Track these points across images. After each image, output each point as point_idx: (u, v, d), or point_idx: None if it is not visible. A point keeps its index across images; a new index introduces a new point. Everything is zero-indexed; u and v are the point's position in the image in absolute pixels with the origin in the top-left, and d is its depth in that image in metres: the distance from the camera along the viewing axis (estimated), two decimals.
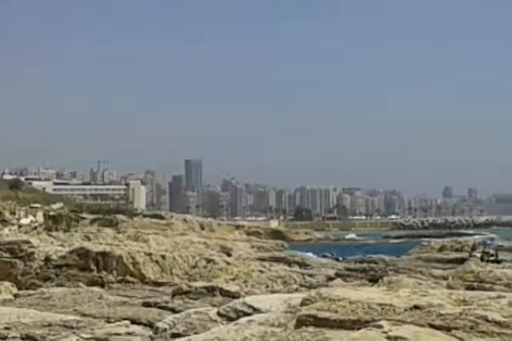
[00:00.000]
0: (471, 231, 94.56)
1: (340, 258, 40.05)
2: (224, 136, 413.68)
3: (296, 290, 20.29)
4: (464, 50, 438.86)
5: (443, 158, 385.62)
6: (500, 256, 29.64)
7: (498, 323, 6.45)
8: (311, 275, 25.85)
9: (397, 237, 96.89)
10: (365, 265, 28.75)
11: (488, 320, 6.54)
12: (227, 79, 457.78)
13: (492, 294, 8.21)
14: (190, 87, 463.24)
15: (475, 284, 20.61)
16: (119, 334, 11.15)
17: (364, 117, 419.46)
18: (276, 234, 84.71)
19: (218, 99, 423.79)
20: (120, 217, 64.01)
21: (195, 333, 8.79)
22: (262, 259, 33.81)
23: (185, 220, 78.17)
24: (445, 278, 23.15)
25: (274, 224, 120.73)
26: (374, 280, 23.66)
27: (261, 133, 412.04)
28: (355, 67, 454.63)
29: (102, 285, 25.04)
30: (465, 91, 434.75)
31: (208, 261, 28.90)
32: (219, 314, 9.83)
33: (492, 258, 29.33)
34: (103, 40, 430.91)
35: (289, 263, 31.94)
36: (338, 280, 24.99)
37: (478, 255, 30.91)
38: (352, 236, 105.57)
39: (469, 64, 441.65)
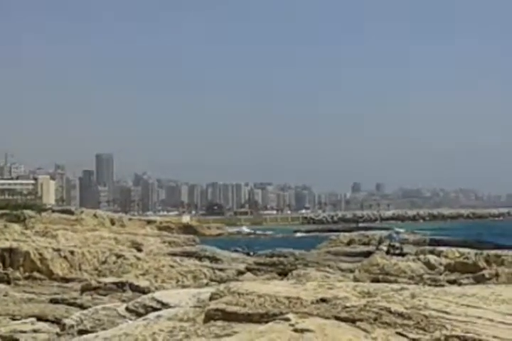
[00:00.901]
0: (378, 225, 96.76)
1: (251, 253, 40.30)
2: (135, 131, 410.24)
3: (207, 284, 20.30)
4: None
5: (352, 154, 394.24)
6: (406, 250, 30.40)
7: (400, 315, 6.61)
8: (221, 270, 25.94)
9: (307, 231, 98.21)
10: (274, 259, 29.02)
11: (391, 312, 6.70)
12: (144, 74, 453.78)
13: (395, 286, 8.43)
14: (103, 82, 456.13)
15: (380, 277, 21.21)
16: (24, 332, 10.92)
17: None
18: (187, 229, 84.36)
19: (130, 95, 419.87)
20: (28, 212, 62.24)
21: (103, 329, 8.68)
22: (173, 254, 33.70)
23: (95, 215, 76.67)
24: (352, 271, 23.71)
25: (185, 219, 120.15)
26: (283, 274, 23.99)
27: (172, 129, 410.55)
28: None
29: (8, 282, 24.43)
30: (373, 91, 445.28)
31: (118, 256, 28.59)
32: (127, 309, 9.73)
33: (398, 251, 30.03)
34: None
35: (199, 257, 31.95)
36: (248, 275, 25.19)
37: (385, 248, 31.61)
38: (264, 230, 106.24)
39: None
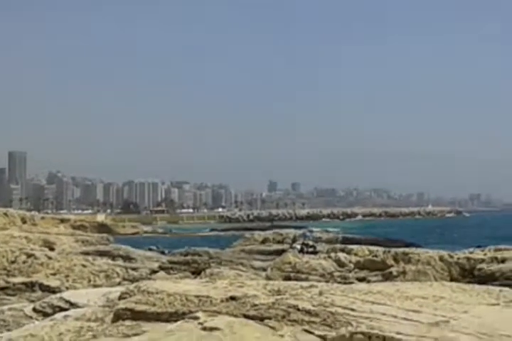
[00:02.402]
0: (293, 224, 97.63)
1: (166, 251, 40.06)
2: (50, 129, 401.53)
3: (119, 284, 20.08)
4: None
5: (269, 153, 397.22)
6: (319, 248, 30.83)
7: (307, 312, 6.70)
8: (134, 269, 25.69)
9: (223, 230, 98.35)
10: (188, 258, 28.93)
11: (298, 309, 6.79)
12: (57, 73, 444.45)
13: (305, 284, 8.55)
14: (13, 79, 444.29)
15: (292, 274, 21.46)
16: None
17: None
18: (102, 228, 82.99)
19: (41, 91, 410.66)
20: None
21: (8, 330, 8.48)
22: (86, 253, 33.11)
23: (5, 214, 74.55)
24: (265, 269, 23.90)
25: (100, 217, 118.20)
26: (197, 273, 23.97)
27: (87, 127, 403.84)
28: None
29: None
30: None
31: (29, 255, 27.84)
32: (35, 310, 9.53)
33: (311, 249, 30.44)
34: None
35: (113, 256, 31.53)
36: (162, 273, 25.05)
37: (299, 247, 31.97)
38: (181, 229, 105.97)
39: None
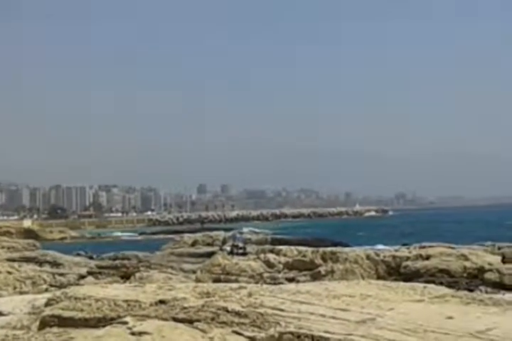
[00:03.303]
0: (223, 226, 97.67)
1: (94, 256, 39.51)
2: None
3: (46, 290, 19.69)
4: None
5: (197, 155, 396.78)
6: (248, 249, 30.94)
7: (237, 313, 6.73)
8: (61, 275, 25.22)
9: (152, 233, 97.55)
10: (117, 262, 28.58)
11: (228, 311, 6.81)
12: None
13: (234, 285, 8.58)
14: None
15: (222, 277, 21.47)
16: None
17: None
18: (29, 234, 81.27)
19: None
20: None
21: None
22: (12, 260, 32.30)
23: None
24: (195, 272, 23.84)
25: (27, 223, 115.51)
26: (126, 277, 23.70)
27: (10, 131, 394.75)
28: None
29: None
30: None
31: None
32: None
33: (241, 251, 30.52)
34: None
35: (40, 262, 30.87)
36: (90, 279, 24.67)
37: (228, 248, 32.00)
38: (110, 233, 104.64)
39: None
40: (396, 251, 24.68)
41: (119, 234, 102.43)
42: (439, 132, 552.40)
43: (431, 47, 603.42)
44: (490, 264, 20.03)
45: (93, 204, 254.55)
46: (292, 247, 27.02)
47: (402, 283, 8.82)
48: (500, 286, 18.54)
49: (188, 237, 42.76)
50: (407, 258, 21.82)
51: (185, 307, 7.07)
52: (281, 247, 27.36)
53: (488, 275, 19.22)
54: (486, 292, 16.49)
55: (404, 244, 32.50)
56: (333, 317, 6.30)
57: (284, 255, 24.89)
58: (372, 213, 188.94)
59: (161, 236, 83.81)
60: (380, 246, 46.14)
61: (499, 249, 25.75)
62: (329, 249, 24.41)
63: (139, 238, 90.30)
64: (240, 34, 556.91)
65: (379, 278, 19.50)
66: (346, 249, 25.55)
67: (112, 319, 7.09)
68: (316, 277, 20.08)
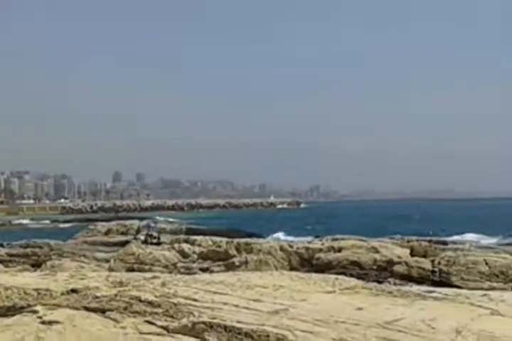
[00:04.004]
0: (138, 215, 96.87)
1: (4, 244, 38.58)
2: None
3: None
4: None
5: (112, 144, 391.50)
6: (163, 239, 30.84)
7: (150, 303, 6.70)
8: None
9: (66, 221, 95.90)
10: (28, 250, 28.01)
11: (141, 300, 6.77)
12: None
13: (147, 275, 8.53)
14: None
15: (135, 266, 21.33)
16: None
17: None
18: None
19: None
20: None
21: None
22: None
23: None
24: (108, 261, 23.59)
25: None
26: (37, 265, 23.24)
27: None
28: None
29: None
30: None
31: None
32: None
33: (155, 240, 30.40)
34: None
35: None
36: (0, 267, 24.10)
37: (143, 238, 31.82)
38: (21, 221, 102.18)
39: None
40: (309, 243, 25.08)
41: (31, 221, 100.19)
42: (351, 128, 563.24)
43: None
44: (399, 257, 20.58)
45: (4, 191, 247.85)
46: (207, 237, 27.09)
47: (314, 275, 8.97)
48: (408, 278, 19.07)
49: (102, 226, 42.28)
50: (320, 250, 22.19)
51: (97, 297, 6.99)
52: (195, 237, 27.40)
53: (397, 268, 19.74)
54: (395, 284, 16.93)
55: (316, 236, 33.08)
56: (246, 308, 6.34)
57: (199, 245, 24.93)
58: (285, 205, 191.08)
59: (75, 224, 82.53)
60: (280, 235, 47.44)
61: (408, 242, 26.57)
62: (243, 239, 24.58)
63: (51, 226, 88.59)
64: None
65: (292, 269, 19.76)
66: (260, 240, 25.77)
67: (22, 308, 6.95)
68: (230, 267, 20.18)
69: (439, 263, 19.22)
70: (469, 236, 45.56)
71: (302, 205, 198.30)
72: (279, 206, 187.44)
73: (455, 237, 43.12)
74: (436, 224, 67.61)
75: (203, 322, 6.00)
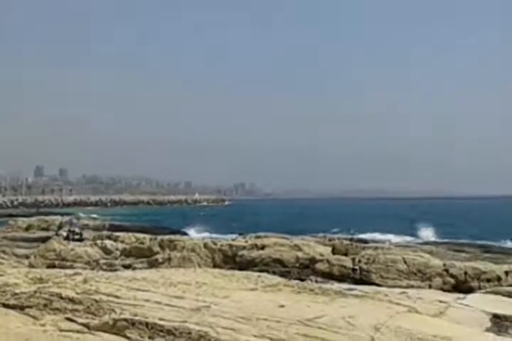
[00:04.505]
0: (60, 211, 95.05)
1: None
2: None
3: None
4: None
5: (33, 134, 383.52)
6: (85, 235, 30.42)
7: (71, 300, 6.64)
8: None
9: None
10: None
11: (61, 297, 6.70)
12: None
13: (69, 271, 8.44)
14: None
15: (57, 262, 20.97)
16: None
17: None
18: None
19: None
20: None
21: None
22: None
23: None
24: (28, 257, 23.11)
25: None
26: None
27: None
28: None
29: None
30: None
31: None
32: None
33: (77, 236, 29.97)
34: None
35: None
36: None
37: (64, 234, 31.32)
38: None
39: None
40: (233, 240, 25.14)
41: None
42: (282, 127, 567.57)
43: None
44: (321, 255, 20.83)
45: None
46: (130, 234, 26.86)
47: (237, 272, 9.04)
48: (330, 276, 19.34)
49: (23, 221, 41.40)
50: (243, 248, 22.26)
51: (16, 293, 6.89)
52: (118, 234, 27.12)
53: (318, 266, 20.00)
54: (316, 281, 17.14)
55: (240, 234, 33.19)
56: (169, 305, 6.36)
57: (122, 241, 24.68)
58: (209, 202, 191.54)
59: None
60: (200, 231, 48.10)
61: (330, 240, 26.97)
62: (167, 236, 24.44)
63: None
64: None
65: (215, 266, 19.78)
66: (184, 237, 25.69)
67: None
68: (153, 264, 20.07)
69: (360, 261, 19.55)
70: (373, 236, 45.90)
71: (226, 202, 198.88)
72: (204, 203, 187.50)
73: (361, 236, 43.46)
74: (337, 222, 67.59)
75: (125, 319, 5.98)
